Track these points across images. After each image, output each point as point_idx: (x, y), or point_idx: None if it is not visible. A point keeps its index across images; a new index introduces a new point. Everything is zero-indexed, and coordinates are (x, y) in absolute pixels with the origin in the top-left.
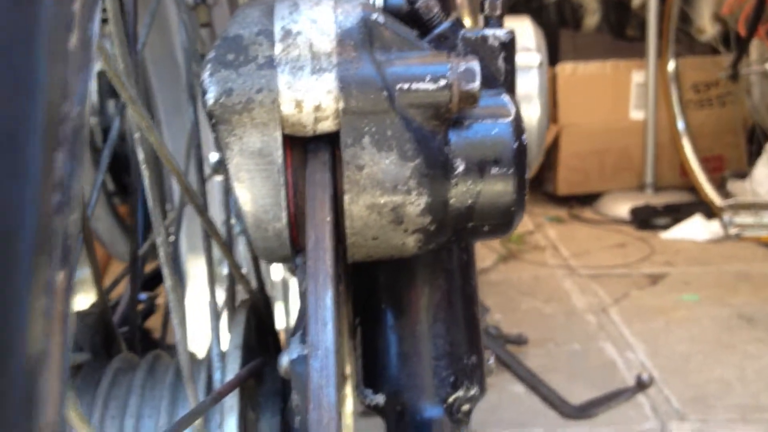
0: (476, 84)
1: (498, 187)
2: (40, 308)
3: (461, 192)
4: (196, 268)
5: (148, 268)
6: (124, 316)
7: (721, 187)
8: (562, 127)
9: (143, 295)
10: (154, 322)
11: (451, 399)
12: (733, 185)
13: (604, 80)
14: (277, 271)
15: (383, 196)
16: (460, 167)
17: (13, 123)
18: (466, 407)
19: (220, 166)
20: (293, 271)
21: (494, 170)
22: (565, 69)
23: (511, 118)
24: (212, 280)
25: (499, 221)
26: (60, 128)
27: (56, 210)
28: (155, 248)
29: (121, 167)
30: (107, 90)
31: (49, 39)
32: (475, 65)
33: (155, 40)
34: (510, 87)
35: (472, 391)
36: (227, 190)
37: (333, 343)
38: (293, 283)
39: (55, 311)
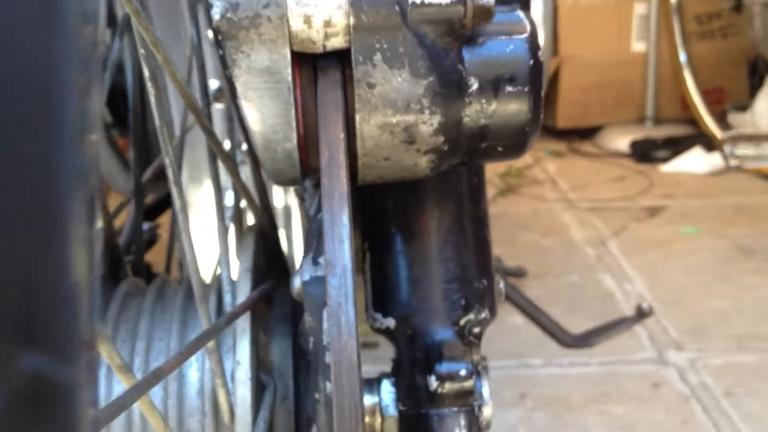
0: None
1: (513, 106)
2: (80, 231)
3: (475, 111)
4: (198, 197)
5: (148, 199)
6: (128, 242)
7: (721, 119)
8: (563, 60)
9: (145, 226)
10: (154, 256)
11: (462, 322)
12: (733, 118)
13: (606, 11)
14: (278, 199)
15: (395, 115)
16: (474, 85)
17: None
18: (476, 330)
19: (222, 93)
20: (301, 195)
21: (509, 88)
22: (567, 0)
23: (526, 35)
24: (220, 201)
25: (513, 141)
26: (79, 47)
27: (79, 129)
28: (155, 180)
29: (119, 99)
30: (108, 19)
31: None
32: None
33: None
34: (524, 3)
35: (483, 314)
36: (230, 118)
37: (350, 260)
38: (295, 211)
39: (87, 234)
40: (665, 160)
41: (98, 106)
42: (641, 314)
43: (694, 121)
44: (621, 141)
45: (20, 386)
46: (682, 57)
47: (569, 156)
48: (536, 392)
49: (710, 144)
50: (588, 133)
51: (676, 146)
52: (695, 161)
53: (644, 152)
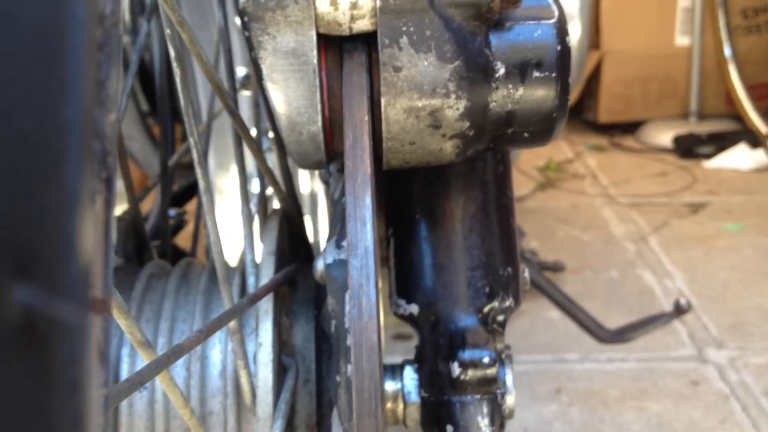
0: None
1: (540, 92)
2: (90, 208)
3: (501, 96)
4: (225, 182)
5: (175, 187)
6: (155, 227)
7: (767, 115)
8: (605, 53)
9: (172, 211)
10: (182, 241)
11: (485, 309)
12: None
13: (649, 4)
14: (304, 185)
15: (421, 99)
16: (501, 70)
17: (54, 19)
18: (500, 318)
19: (249, 80)
20: (326, 179)
21: (536, 74)
22: None
23: (554, 20)
24: (245, 184)
25: (540, 127)
26: (97, 23)
27: (96, 109)
28: (183, 167)
29: (155, 86)
30: (138, 7)
31: None
32: None
33: None
34: None
35: (507, 302)
36: (256, 104)
37: (372, 242)
38: (321, 197)
39: (101, 212)
40: (709, 155)
41: (119, 83)
42: (679, 310)
43: (738, 116)
44: (664, 136)
45: (9, 316)
46: (727, 51)
47: (611, 151)
48: (572, 387)
49: (755, 140)
50: (630, 127)
51: (720, 142)
52: (739, 157)
53: (687, 148)
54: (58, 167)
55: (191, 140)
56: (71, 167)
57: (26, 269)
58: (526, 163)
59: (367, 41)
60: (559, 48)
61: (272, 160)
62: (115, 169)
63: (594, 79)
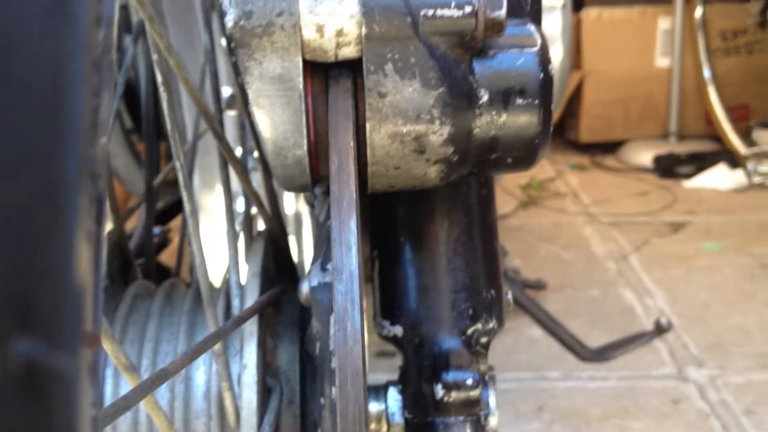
0: (502, 12)
1: (523, 119)
2: (84, 232)
3: (485, 122)
4: (210, 202)
5: (160, 204)
6: (139, 246)
7: (746, 136)
8: (586, 74)
9: (156, 230)
10: (166, 258)
11: (469, 331)
12: (758, 134)
13: (630, 26)
14: (289, 206)
15: (406, 124)
16: (485, 97)
17: (50, 48)
18: (484, 340)
19: (235, 100)
20: (311, 201)
21: (519, 101)
22: (590, 14)
23: (537, 48)
24: (230, 206)
25: (523, 153)
26: (90, 48)
27: (88, 133)
28: (168, 183)
29: (139, 104)
30: (124, 25)
31: None
32: None
33: None
34: (536, 17)
35: (491, 324)
36: (242, 125)
37: (357, 266)
38: (306, 218)
39: (93, 229)
40: (689, 175)
41: (110, 108)
42: (659, 329)
43: (718, 137)
44: (644, 156)
45: (11, 369)
46: (707, 73)
47: (592, 170)
48: (554, 405)
49: (734, 160)
50: (611, 147)
51: (700, 162)
52: (719, 177)
53: (668, 167)
54: (56, 217)
55: (177, 164)
56: (69, 219)
57: (27, 323)
58: (509, 182)
59: (353, 68)
60: (541, 76)
61: (257, 179)
62: (105, 191)
63: (575, 99)
